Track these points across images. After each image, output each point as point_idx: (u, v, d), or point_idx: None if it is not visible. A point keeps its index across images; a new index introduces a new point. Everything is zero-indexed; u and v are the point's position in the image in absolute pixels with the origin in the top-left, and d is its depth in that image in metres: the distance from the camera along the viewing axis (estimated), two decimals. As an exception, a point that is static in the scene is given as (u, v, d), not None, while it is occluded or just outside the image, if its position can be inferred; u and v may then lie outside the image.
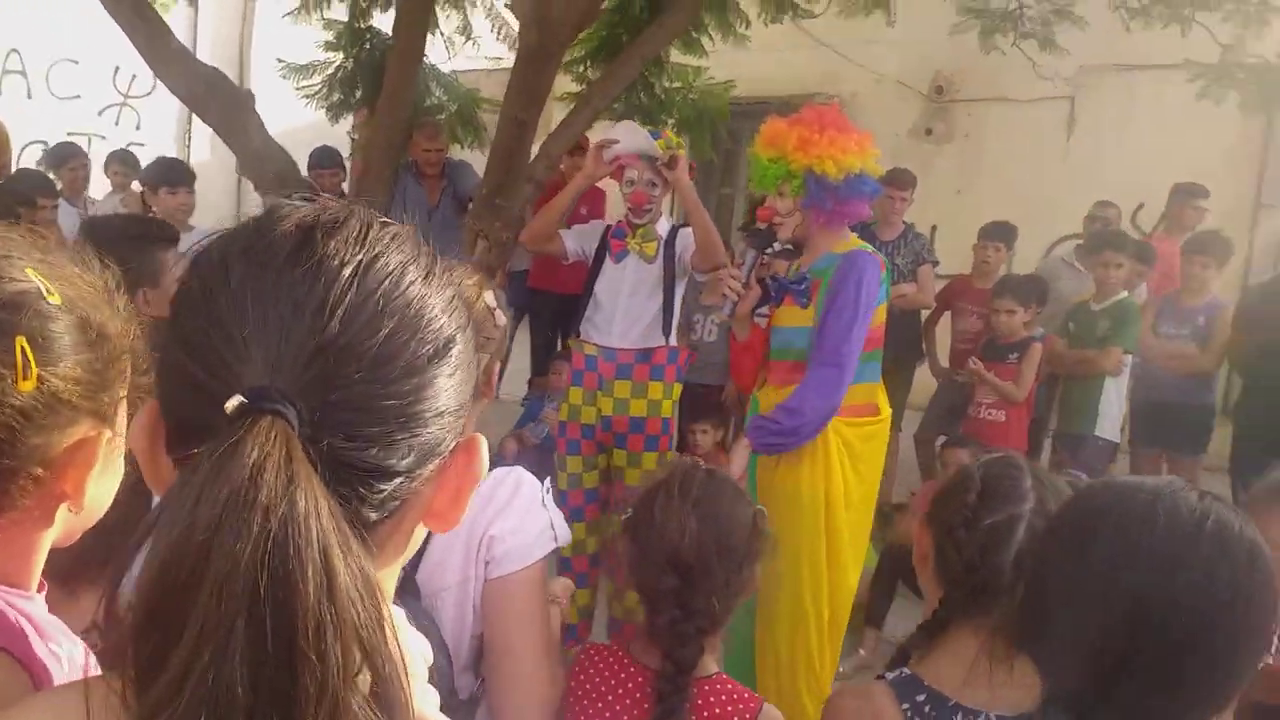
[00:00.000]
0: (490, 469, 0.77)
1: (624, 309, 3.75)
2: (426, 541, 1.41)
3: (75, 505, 0.87)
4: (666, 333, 3.82)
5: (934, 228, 7.62)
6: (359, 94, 6.14)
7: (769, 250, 5.15)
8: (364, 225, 0.65)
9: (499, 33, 6.09)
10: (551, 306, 5.96)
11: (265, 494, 0.53)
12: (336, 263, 0.61)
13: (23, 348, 0.81)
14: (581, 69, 6.14)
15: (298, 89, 6.26)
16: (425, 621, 1.42)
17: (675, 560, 1.45)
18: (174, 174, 4.61)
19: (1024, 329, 4.63)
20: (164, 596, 0.53)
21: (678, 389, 3.92)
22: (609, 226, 3.85)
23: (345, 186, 5.97)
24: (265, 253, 0.62)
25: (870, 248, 3.09)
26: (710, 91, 6.51)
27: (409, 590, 1.45)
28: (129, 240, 2.29)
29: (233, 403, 0.55)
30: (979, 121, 8.27)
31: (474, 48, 6.30)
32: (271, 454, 0.54)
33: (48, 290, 0.84)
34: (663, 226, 3.80)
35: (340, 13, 6.11)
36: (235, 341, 0.58)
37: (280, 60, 6.28)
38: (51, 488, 0.85)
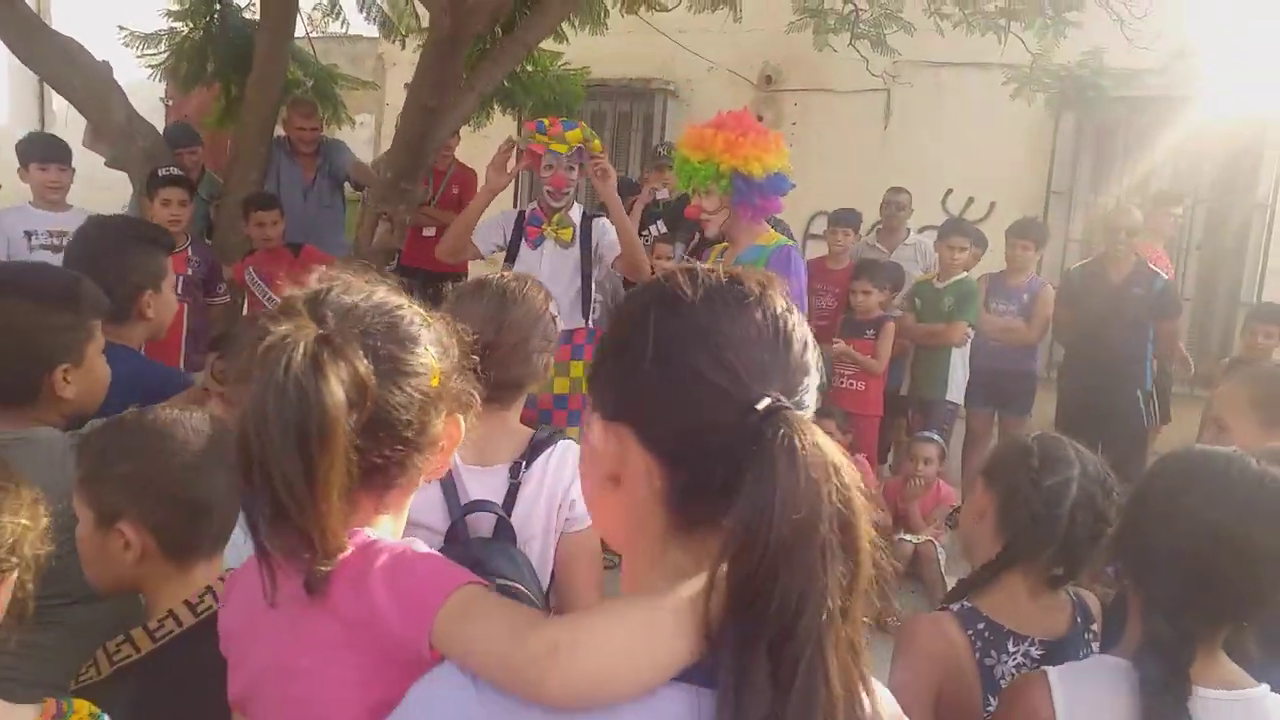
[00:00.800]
0: None
1: None
2: (514, 494, 1.64)
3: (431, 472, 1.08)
4: (586, 314, 4.06)
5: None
6: (210, 66, 5.93)
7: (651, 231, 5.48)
8: None
9: (367, 13, 6.01)
10: (424, 283, 6.00)
11: (821, 469, 0.75)
12: (775, 306, 0.84)
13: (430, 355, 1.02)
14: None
15: (142, 58, 5.96)
16: (523, 561, 1.63)
17: None
18: (48, 149, 4.34)
19: (879, 308, 5.16)
20: (779, 550, 0.74)
21: None
22: (522, 213, 4.02)
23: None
24: (732, 294, 0.83)
25: (789, 240, 3.44)
26: (566, 77, 6.71)
27: (507, 535, 1.67)
28: (142, 243, 2.29)
29: (764, 403, 0.77)
30: (804, 110, 8.84)
31: (337, 23, 6.20)
32: (806, 433, 0.76)
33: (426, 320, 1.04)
34: (575, 213, 4.01)
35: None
36: (749, 361, 0.79)
37: (123, 28, 5.95)
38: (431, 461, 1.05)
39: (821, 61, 7.51)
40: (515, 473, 1.67)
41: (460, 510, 1.59)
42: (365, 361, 0.92)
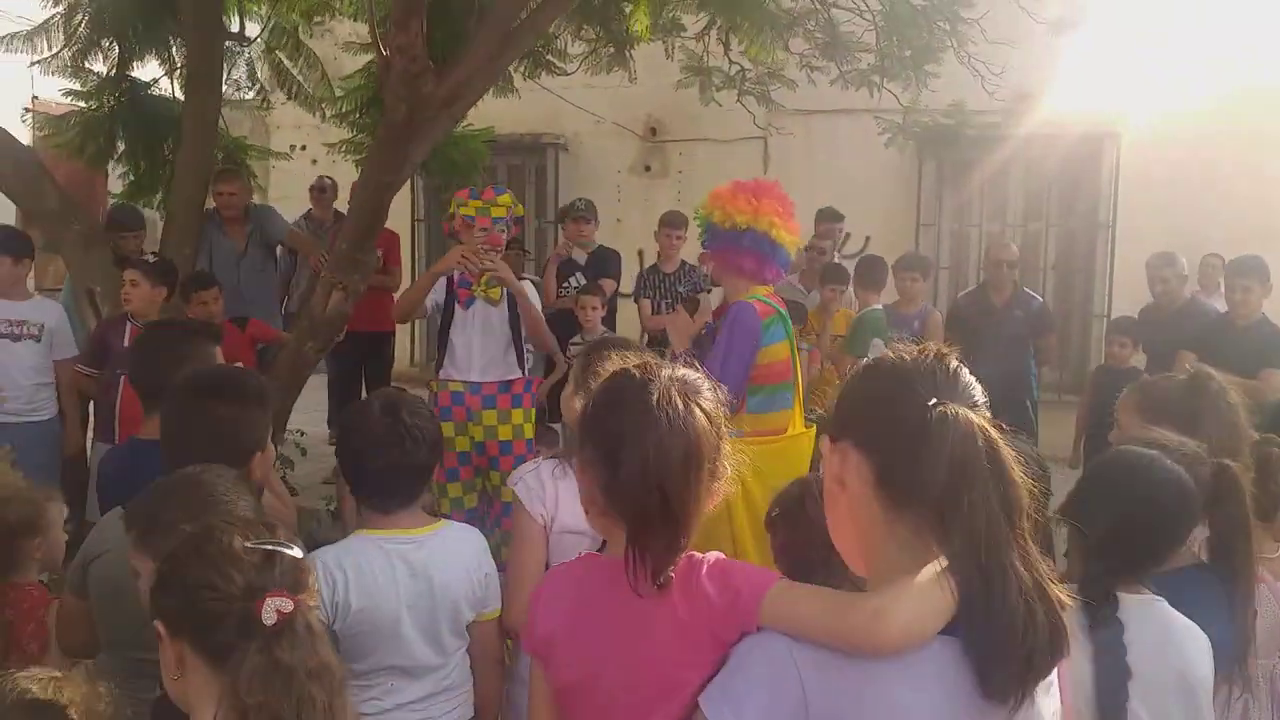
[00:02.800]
0: None
1: (479, 348, 4.34)
2: None
3: None
4: (521, 365, 4.39)
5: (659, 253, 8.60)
6: (120, 144, 5.98)
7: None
8: None
9: (288, 90, 6.18)
10: (357, 345, 6.16)
11: (984, 437, 1.12)
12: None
13: None
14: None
15: (52, 144, 5.96)
16: None
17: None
18: (8, 242, 4.41)
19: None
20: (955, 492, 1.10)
21: (533, 412, 4.50)
22: (450, 278, 4.35)
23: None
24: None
25: (760, 296, 3.35)
26: (469, 136, 7.00)
27: None
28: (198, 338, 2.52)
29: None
30: (689, 159, 9.38)
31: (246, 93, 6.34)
32: (974, 421, 1.13)
33: None
34: None
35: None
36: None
37: (29, 109, 5.95)
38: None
39: (702, 112, 8.05)
40: None
41: None
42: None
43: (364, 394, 6.90)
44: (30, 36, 5.62)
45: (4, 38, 5.69)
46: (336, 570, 1.97)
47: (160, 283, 4.31)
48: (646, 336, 6.16)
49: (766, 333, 3.24)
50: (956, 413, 1.10)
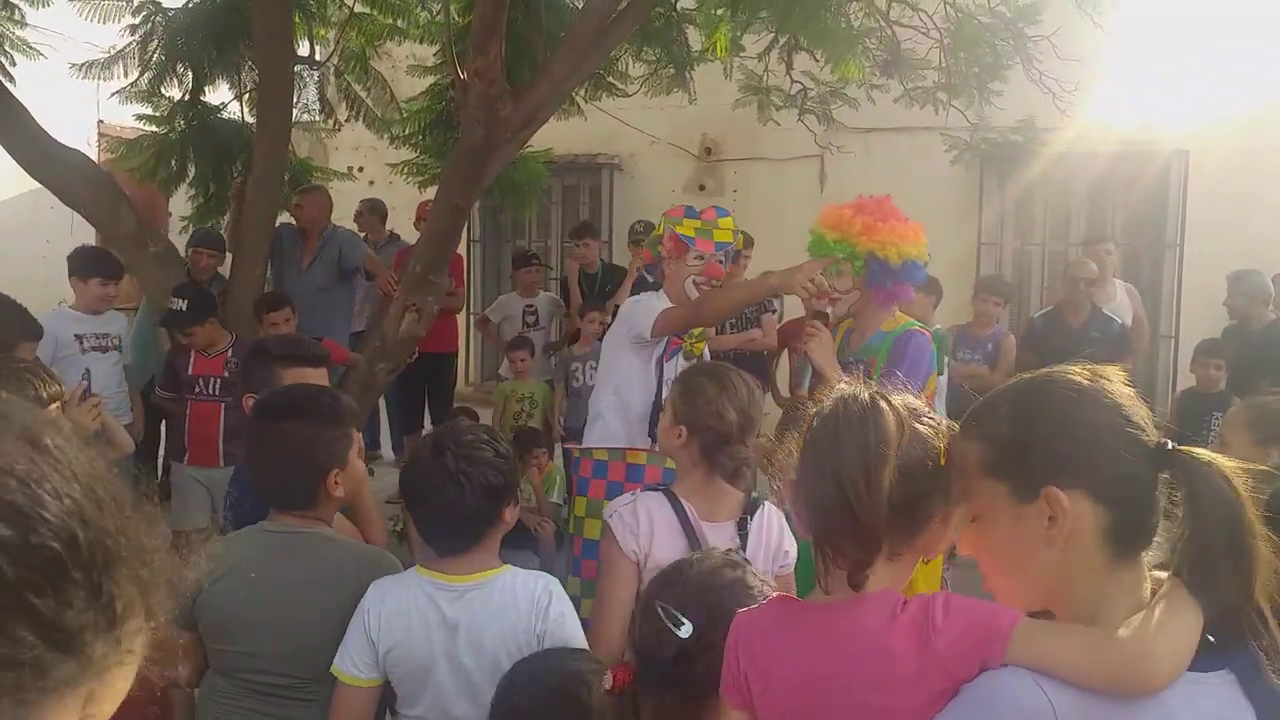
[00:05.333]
0: None
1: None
2: (743, 544, 1.97)
3: None
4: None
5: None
6: (193, 169, 6.08)
7: None
8: None
9: (355, 110, 6.25)
10: (421, 366, 6.19)
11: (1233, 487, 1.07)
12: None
13: None
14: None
15: (124, 167, 6.07)
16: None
17: None
18: (102, 266, 4.73)
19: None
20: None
21: None
22: None
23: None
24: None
25: (919, 325, 3.32)
26: (529, 157, 7.03)
27: None
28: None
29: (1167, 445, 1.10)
30: (745, 178, 9.34)
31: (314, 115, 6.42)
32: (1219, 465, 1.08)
33: None
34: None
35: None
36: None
37: (103, 135, 6.06)
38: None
39: (758, 131, 8.04)
40: (742, 526, 1.99)
41: None
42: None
43: (427, 414, 6.94)
44: (108, 65, 5.73)
45: (81, 65, 5.80)
46: (371, 605, 1.93)
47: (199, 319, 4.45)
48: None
49: (934, 362, 3.22)
50: (1209, 463, 1.07)
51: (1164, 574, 1.12)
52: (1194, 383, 5.49)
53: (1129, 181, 7.86)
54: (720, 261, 3.51)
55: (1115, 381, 1.14)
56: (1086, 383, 1.13)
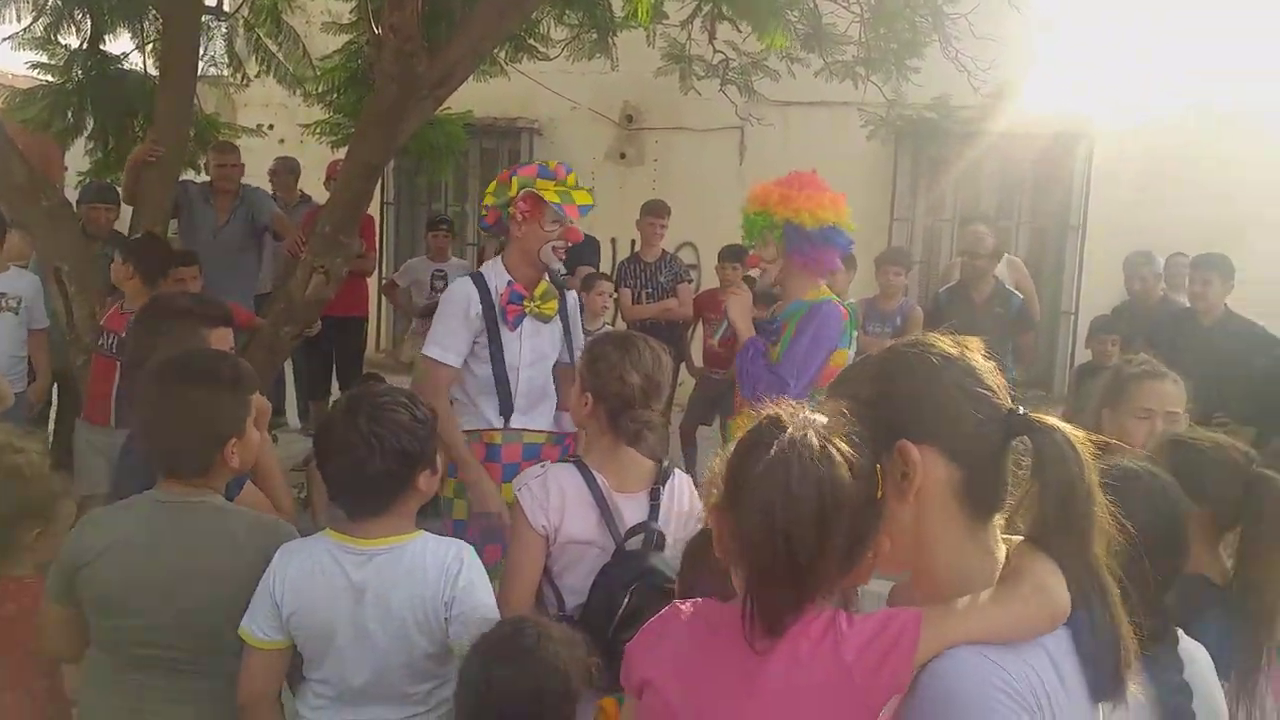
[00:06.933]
0: None
1: (526, 382, 3.35)
2: (655, 514, 2.04)
3: None
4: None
5: (633, 241, 8.55)
6: (91, 121, 5.83)
7: None
8: None
9: (266, 65, 6.04)
10: (329, 330, 6.05)
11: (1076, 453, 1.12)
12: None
13: None
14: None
15: (18, 118, 5.77)
16: (672, 563, 2.08)
17: None
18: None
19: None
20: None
21: None
22: (483, 292, 3.28)
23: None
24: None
25: (836, 298, 3.32)
26: (447, 119, 6.91)
27: (659, 545, 2.17)
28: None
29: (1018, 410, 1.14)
30: (665, 147, 9.33)
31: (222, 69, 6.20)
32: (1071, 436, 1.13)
33: None
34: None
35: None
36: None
37: (-4, 83, 5.75)
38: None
39: (679, 101, 8.03)
40: (655, 496, 1.99)
41: (627, 531, 1.89)
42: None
43: (334, 379, 6.80)
44: (-2, 8, 5.43)
45: (-33, 7, 5.49)
46: (278, 567, 1.89)
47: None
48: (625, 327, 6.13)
49: (843, 336, 3.22)
50: (1055, 428, 1.11)
51: (1017, 537, 1.18)
52: (1091, 357, 5.71)
53: (1037, 162, 8.09)
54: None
55: (975, 352, 1.18)
56: (950, 350, 1.17)
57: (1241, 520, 1.83)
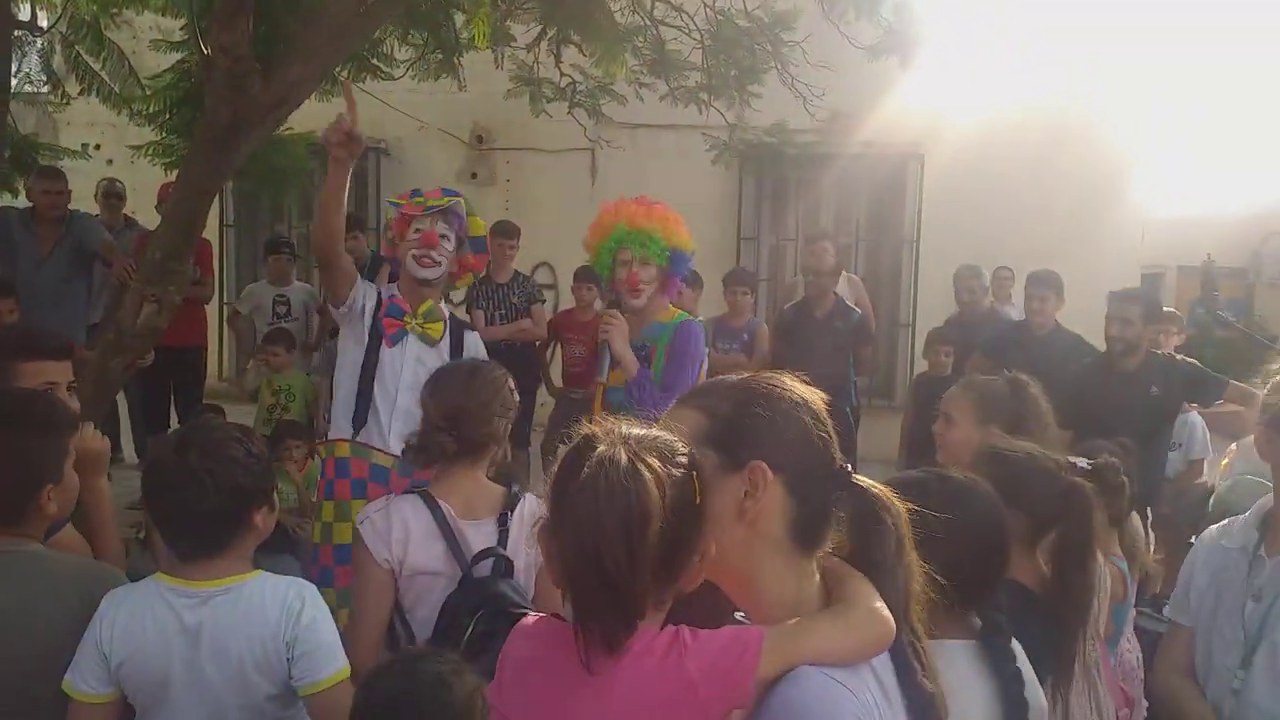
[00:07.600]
0: None
1: (403, 407, 3.31)
2: (504, 540, 1.97)
3: None
4: None
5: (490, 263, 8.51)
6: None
7: None
8: None
9: (90, 86, 5.72)
10: (165, 360, 5.77)
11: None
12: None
13: None
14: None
15: None
16: (523, 590, 2.13)
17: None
18: None
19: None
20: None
21: None
22: (369, 302, 3.40)
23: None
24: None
25: (691, 316, 3.49)
26: (288, 140, 6.71)
27: (508, 572, 2.12)
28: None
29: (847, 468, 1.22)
30: (517, 168, 9.32)
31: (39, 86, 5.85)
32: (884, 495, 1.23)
33: None
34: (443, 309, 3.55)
35: None
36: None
37: None
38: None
39: (530, 122, 8.02)
40: (503, 522, 1.98)
41: (473, 558, 1.87)
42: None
43: (173, 412, 6.49)
44: None
45: None
46: (104, 615, 1.79)
47: None
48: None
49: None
50: (871, 489, 1.23)
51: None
52: (926, 367, 6.01)
53: (871, 181, 8.47)
54: (444, 238, 3.34)
55: (819, 403, 1.24)
56: (804, 393, 1.24)
57: (1058, 525, 1.94)
